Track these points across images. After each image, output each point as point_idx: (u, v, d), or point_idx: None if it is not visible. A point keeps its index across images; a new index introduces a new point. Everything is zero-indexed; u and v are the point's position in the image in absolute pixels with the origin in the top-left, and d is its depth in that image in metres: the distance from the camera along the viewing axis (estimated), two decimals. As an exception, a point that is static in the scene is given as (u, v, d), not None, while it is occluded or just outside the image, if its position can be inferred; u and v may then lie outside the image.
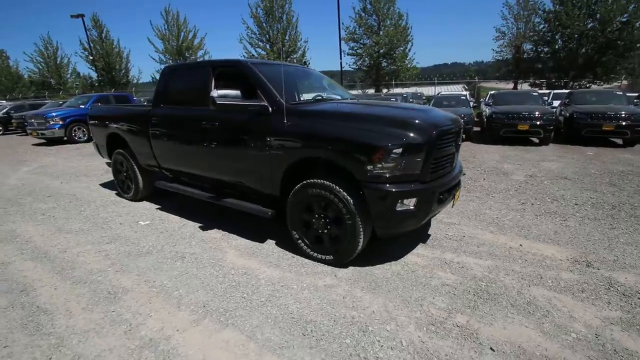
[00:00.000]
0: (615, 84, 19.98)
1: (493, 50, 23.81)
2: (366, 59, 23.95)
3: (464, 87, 30.26)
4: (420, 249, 3.26)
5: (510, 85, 23.06)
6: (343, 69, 23.56)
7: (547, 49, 20.83)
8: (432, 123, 2.69)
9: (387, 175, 2.51)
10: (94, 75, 29.26)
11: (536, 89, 20.70)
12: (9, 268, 3.08)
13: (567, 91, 13.17)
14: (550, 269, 2.86)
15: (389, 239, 3.28)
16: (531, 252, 3.18)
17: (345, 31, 23.31)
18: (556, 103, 12.01)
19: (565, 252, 3.17)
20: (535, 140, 9.71)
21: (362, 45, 23.93)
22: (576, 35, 18.69)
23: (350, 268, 2.89)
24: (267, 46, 25.81)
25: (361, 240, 2.72)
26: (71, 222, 4.19)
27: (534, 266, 2.91)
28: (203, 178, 3.91)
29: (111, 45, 28.47)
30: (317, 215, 2.92)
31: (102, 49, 27.99)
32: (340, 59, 22.20)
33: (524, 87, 22.17)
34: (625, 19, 17.58)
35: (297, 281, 2.72)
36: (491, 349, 1.98)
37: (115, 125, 4.78)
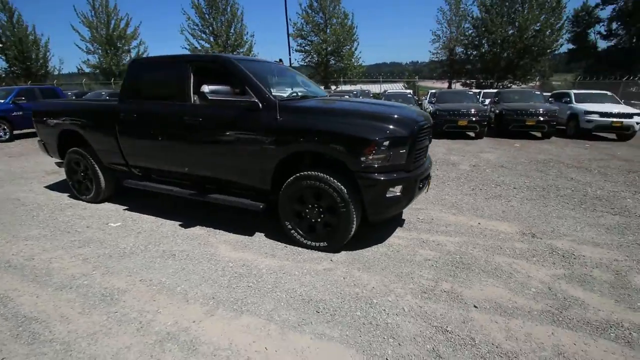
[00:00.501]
0: (531, 84, 23.05)
1: (430, 52, 25.83)
2: (314, 56, 24.30)
3: (403, 85, 32.32)
4: (399, 232, 3.62)
5: (445, 85, 25.26)
6: (292, 66, 23.65)
7: (475, 52, 23.21)
8: (413, 119, 3.03)
9: (378, 165, 2.79)
10: (3, 65, 25.35)
11: (466, 88, 23.01)
12: (-33, 281, 2.76)
13: (495, 90, 14.92)
14: (505, 241, 3.41)
15: (371, 225, 3.58)
16: (488, 228, 3.73)
17: (293, 27, 23.39)
18: (487, 101, 13.57)
19: (514, 227, 3.77)
20: (472, 134, 10.91)
21: (309, 42, 24.22)
22: (499, 41, 21.17)
23: (343, 253, 3.14)
24: (211, 38, 24.82)
25: (354, 226, 2.98)
26: (27, 228, 3.80)
27: (493, 239, 3.44)
28: (182, 175, 3.82)
29: (25, 31, 24.84)
30: (310, 206, 3.10)
31: (13, 35, 24.28)
32: (289, 55, 22.28)
33: (457, 86, 24.44)
34: (538, 28, 20.37)
35: (297, 268, 2.88)
36: (474, 306, 2.38)
37: (69, 122, 4.39)
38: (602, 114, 9.90)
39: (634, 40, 31.55)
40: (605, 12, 32.73)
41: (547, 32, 20.30)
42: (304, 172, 3.00)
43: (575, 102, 10.98)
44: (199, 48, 24.17)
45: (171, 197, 4.70)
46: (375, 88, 24.61)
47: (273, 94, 3.17)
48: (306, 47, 24.20)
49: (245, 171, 3.32)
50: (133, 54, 25.72)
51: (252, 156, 3.19)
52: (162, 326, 2.18)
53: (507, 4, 20.74)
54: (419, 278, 2.72)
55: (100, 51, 24.58)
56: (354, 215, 2.93)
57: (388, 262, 2.96)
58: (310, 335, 2.08)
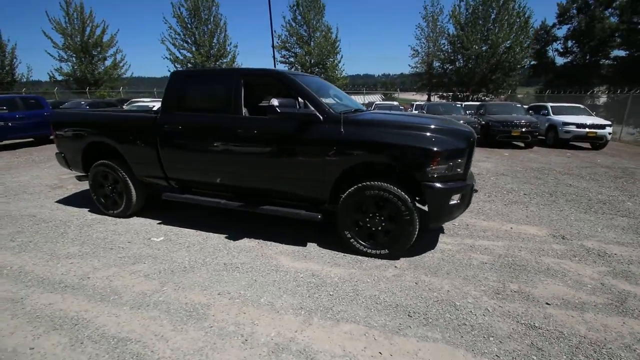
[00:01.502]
0: (502, 97, 24.60)
1: (409, 65, 26.98)
2: (298, 67, 24.61)
3: (381, 97, 33.37)
4: (442, 238, 3.81)
5: (424, 97, 26.39)
6: (276, 76, 23.80)
7: (451, 66, 24.52)
8: (470, 131, 3.26)
9: (441, 175, 2.98)
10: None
11: (444, 100, 24.16)
12: (28, 303, 2.61)
13: (476, 103, 15.82)
14: (542, 243, 3.69)
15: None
16: (522, 232, 4.01)
17: (278, 39, 23.64)
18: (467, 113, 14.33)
19: (542, 230, 4.08)
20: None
21: (293, 54, 24.54)
22: (474, 56, 22.52)
23: (402, 259, 3.27)
24: (193, 48, 24.51)
25: (416, 233, 3.13)
26: (62, 246, 3.61)
27: (531, 242, 3.70)
28: (227, 186, 3.82)
29: (-12, 36, 23.35)
30: (370, 215, 3.22)
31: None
32: (275, 66, 22.40)
33: (435, 98, 25.59)
34: (509, 44, 21.95)
35: (366, 275, 2.98)
36: (547, 303, 2.58)
37: (100, 134, 4.25)
38: (578, 125, 10.82)
39: (588, 57, 34.70)
40: (562, 31, 35.71)
41: (517, 49, 21.92)
42: (367, 182, 3.12)
43: (553, 114, 11.91)
44: (181, 58, 23.78)
45: (199, 209, 4.65)
46: (358, 99, 25.26)
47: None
48: (290, 59, 24.49)
49: (303, 182, 3.39)
50: (109, 62, 24.83)
51: (313, 167, 3.27)
52: (266, 338, 2.19)
53: (480, 22, 22.22)
54: (485, 280, 2.90)
55: (74, 59, 23.49)
56: (417, 223, 3.08)
57: (449, 267, 3.13)
58: (416, 339, 2.18)
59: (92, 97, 21.44)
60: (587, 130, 10.68)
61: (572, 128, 10.83)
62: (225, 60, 24.54)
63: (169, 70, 25.71)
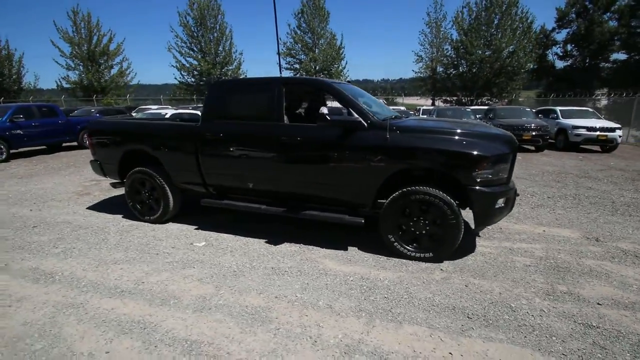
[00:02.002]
0: (505, 101, 24.80)
1: (413, 71, 27.14)
2: (303, 73, 24.83)
3: (383, 101, 33.60)
4: (480, 241, 3.87)
5: (428, 102, 26.57)
6: (282, 82, 24.00)
7: (454, 71, 24.74)
8: (512, 137, 3.35)
9: (487, 179, 3.06)
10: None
11: (448, 104, 24.32)
12: (90, 308, 2.66)
13: (484, 107, 15.96)
14: (578, 245, 3.76)
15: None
16: (555, 235, 4.07)
17: (283, 46, 23.88)
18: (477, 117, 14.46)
19: (575, 232, 4.15)
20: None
21: (298, 61, 24.78)
22: (477, 61, 22.75)
23: (446, 263, 3.33)
24: (199, 56, 24.75)
25: (461, 237, 3.20)
26: (107, 252, 3.68)
27: (567, 244, 3.77)
28: (266, 192, 3.89)
29: (-4, 46, 23.57)
30: (414, 219, 3.29)
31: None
32: (280, 73, 22.60)
33: (439, 103, 25.77)
34: (512, 49, 22.20)
35: (415, 278, 3.04)
36: (598, 303, 2.64)
37: (138, 142, 4.34)
38: (588, 129, 10.93)
39: (587, 61, 35.06)
40: (561, 35, 36.08)
41: (521, 54, 22.17)
42: (412, 187, 3.19)
43: (562, 117, 12.03)
44: (187, 65, 24.00)
45: (229, 214, 4.70)
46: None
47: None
48: (295, 66, 24.74)
49: (347, 187, 3.47)
50: (115, 70, 25.05)
51: (357, 173, 3.35)
52: (334, 339, 2.25)
53: (483, 27, 22.51)
54: (534, 282, 2.96)
55: (81, 67, 23.71)
56: (462, 226, 3.16)
57: (495, 270, 3.19)
58: (481, 339, 2.24)
59: (98, 104, 21.57)
60: (597, 133, 10.79)
61: (583, 131, 10.95)
62: (231, 68, 24.79)
63: (175, 78, 25.97)
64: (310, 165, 3.56)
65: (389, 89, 42.07)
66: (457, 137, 3.16)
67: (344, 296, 2.76)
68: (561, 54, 37.21)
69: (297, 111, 4.18)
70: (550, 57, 38.53)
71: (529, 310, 2.55)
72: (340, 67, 24.95)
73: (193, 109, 17.28)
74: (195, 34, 23.75)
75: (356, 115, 3.34)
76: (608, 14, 32.67)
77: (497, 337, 2.26)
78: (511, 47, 22.22)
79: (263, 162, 3.75)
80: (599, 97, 25.33)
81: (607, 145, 11.06)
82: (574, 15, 35.20)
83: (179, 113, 12.58)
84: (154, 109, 17.01)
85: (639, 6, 24.29)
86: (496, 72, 22.80)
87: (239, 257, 3.50)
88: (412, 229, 3.32)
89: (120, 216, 4.85)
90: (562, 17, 35.83)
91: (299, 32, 23.97)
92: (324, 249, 3.68)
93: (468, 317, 2.47)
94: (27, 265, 3.40)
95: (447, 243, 3.22)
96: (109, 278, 3.14)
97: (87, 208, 5.34)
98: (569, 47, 36.48)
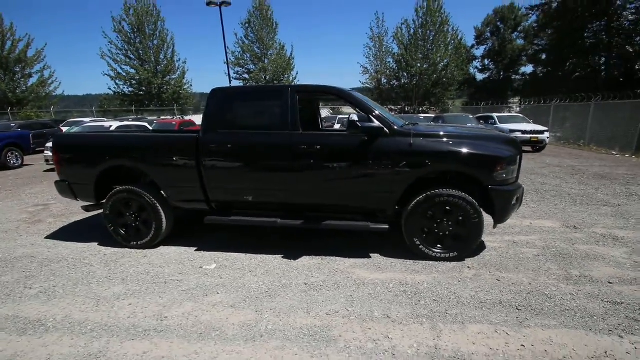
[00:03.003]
0: (439, 110, 27.18)
1: (360, 82, 28.38)
2: (253, 83, 24.44)
3: (329, 111, 34.53)
4: (488, 237, 4.11)
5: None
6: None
7: (397, 82, 26.49)
8: (517, 140, 3.65)
9: (503, 179, 3.29)
10: None
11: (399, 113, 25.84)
12: (113, 357, 2.24)
13: (432, 115, 17.28)
14: (564, 234, 4.21)
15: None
16: (541, 226, 4.51)
17: (232, 56, 23.27)
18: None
19: (555, 223, 4.64)
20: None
21: (247, 71, 24.34)
22: (417, 73, 24.67)
23: (467, 260, 3.48)
24: (137, 64, 22.90)
25: (482, 234, 3.38)
26: (101, 287, 3.14)
27: (556, 234, 4.20)
28: (279, 204, 3.71)
29: None
30: (438, 220, 3.40)
31: None
32: (230, 82, 21.93)
33: (385, 111, 27.22)
34: (446, 63, 24.53)
35: (451, 278, 3.12)
36: (609, 282, 2.98)
37: (123, 157, 3.83)
38: (523, 132, 12.45)
39: (502, 74, 40.36)
40: (480, 51, 41.05)
41: (453, 67, 24.62)
42: (437, 190, 3.30)
43: (499, 123, 13.54)
44: (124, 74, 22.02)
45: (223, 231, 4.38)
46: (324, 113, 25.81)
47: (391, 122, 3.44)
48: (244, 76, 24.22)
49: (371, 195, 3.45)
50: (35, 79, 21.97)
51: (382, 180, 3.36)
52: (411, 349, 2.20)
53: (420, 43, 24.55)
54: (551, 270, 3.24)
55: (-12, 75, 20.32)
56: (484, 224, 3.34)
57: (513, 263, 3.42)
58: (540, 328, 2.38)
59: (15, 118, 18.67)
60: (530, 135, 12.35)
61: (519, 134, 12.41)
62: (174, 77, 23.34)
63: (110, 88, 23.57)
64: (332, 174, 3.47)
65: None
66: (476, 141, 3.36)
67: (395, 304, 2.72)
68: (480, 68, 42.30)
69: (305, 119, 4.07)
70: (471, 70, 43.41)
71: (562, 295, 2.78)
72: (291, 77, 25.11)
73: (133, 120, 15.84)
74: (132, 41, 21.92)
75: (378, 122, 3.36)
76: (516, 33, 38.15)
77: (552, 324, 2.41)
78: (445, 60, 24.58)
79: (279, 173, 3.57)
80: (511, 105, 28.98)
81: (537, 146, 12.70)
82: (489, 34, 40.48)
83: (127, 125, 11.46)
84: (87, 121, 15.18)
85: (542, 28, 28.59)
86: (434, 83, 24.97)
87: (263, 277, 3.26)
88: (436, 231, 3.42)
89: (96, 244, 4.20)
90: (480, 35, 40.88)
91: (246, 41, 23.61)
92: (347, 258, 3.60)
93: (517, 309, 2.61)
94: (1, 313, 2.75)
95: (470, 241, 3.38)
96: (120, 317, 2.68)
97: (46, 237, 4.53)
98: (486, 61, 41.70)
